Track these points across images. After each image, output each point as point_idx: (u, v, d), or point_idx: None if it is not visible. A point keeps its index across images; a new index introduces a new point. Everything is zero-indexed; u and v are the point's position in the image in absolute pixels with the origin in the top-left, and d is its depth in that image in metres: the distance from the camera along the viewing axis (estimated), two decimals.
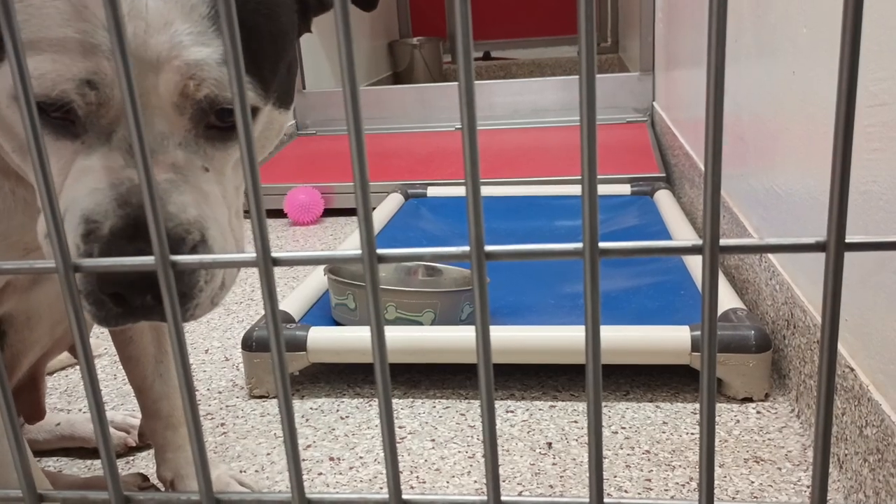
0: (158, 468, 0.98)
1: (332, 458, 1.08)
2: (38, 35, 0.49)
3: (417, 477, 1.03)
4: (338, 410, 1.21)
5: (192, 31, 0.51)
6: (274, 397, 1.27)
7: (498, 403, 1.21)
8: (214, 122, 0.54)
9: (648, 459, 1.05)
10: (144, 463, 1.10)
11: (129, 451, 1.12)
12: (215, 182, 0.56)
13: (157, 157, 0.53)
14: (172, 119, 0.53)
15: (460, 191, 2.14)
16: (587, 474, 0.38)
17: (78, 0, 0.50)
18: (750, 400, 1.18)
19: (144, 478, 1.02)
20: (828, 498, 0.34)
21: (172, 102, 0.52)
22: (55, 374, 1.38)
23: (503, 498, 0.38)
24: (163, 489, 1.00)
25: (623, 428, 1.13)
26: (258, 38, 0.55)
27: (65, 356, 1.34)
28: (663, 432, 1.11)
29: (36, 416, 0.96)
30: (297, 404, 1.24)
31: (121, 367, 0.99)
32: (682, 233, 1.71)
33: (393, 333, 1.23)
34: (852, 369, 0.92)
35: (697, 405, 1.18)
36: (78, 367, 1.32)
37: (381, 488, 1.01)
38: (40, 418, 0.97)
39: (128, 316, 0.54)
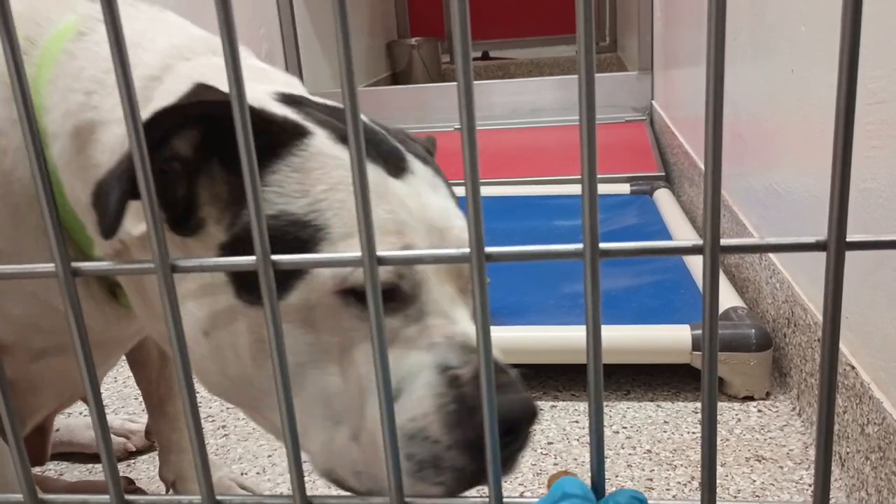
0: (161, 468, 0.98)
1: None
2: (356, 224, 0.51)
3: None
4: None
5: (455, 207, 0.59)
6: None
7: None
8: None
9: (650, 459, 1.05)
10: (145, 466, 1.10)
11: (130, 455, 1.12)
12: None
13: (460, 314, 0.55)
14: (461, 284, 0.57)
15: (460, 191, 2.14)
16: (589, 474, 0.38)
17: (378, 182, 0.54)
18: (751, 398, 1.18)
19: (130, 482, 1.03)
20: (830, 496, 0.34)
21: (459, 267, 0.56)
22: None
23: (504, 498, 0.38)
24: (164, 490, 1.00)
25: (624, 427, 1.13)
26: None
27: None
28: (664, 431, 1.11)
29: (38, 462, 0.96)
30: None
31: (121, 369, 0.99)
32: (682, 232, 1.71)
33: None
34: (853, 367, 0.92)
35: (698, 404, 1.18)
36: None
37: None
38: (42, 463, 0.97)
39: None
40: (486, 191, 2.13)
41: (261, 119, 0.53)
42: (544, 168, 2.32)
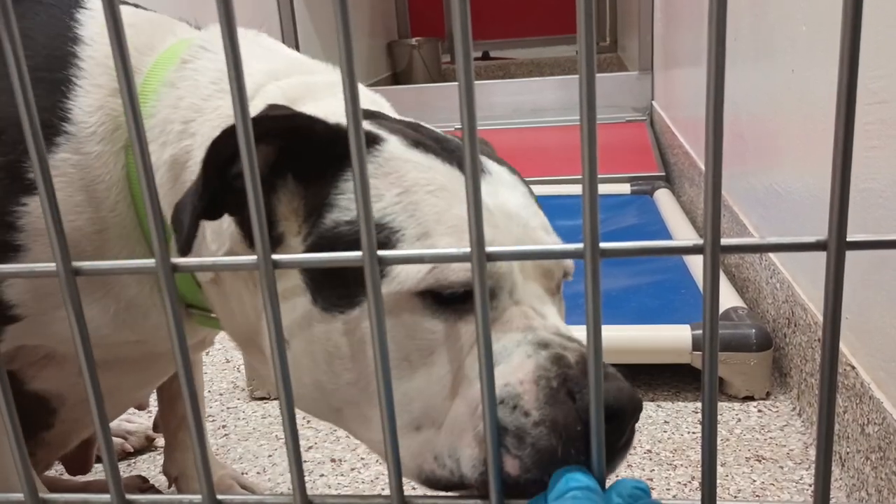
0: (165, 463, 0.98)
1: (333, 460, 1.08)
2: (432, 224, 0.53)
3: None
4: None
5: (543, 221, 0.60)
6: (275, 399, 1.27)
7: None
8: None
9: (650, 459, 1.05)
10: (146, 465, 1.10)
11: (128, 455, 1.12)
12: None
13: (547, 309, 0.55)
14: (549, 285, 0.57)
15: None
16: None
17: (445, 182, 0.54)
18: (751, 398, 1.18)
19: (144, 479, 1.03)
20: (830, 496, 0.34)
21: (547, 268, 0.57)
22: None
23: (505, 499, 0.38)
24: (166, 485, 1.00)
25: None
26: None
27: None
28: (665, 431, 1.11)
29: (82, 471, 0.97)
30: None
31: None
32: (682, 231, 1.71)
33: None
34: (853, 367, 0.92)
35: (699, 404, 1.18)
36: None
37: (383, 489, 1.01)
38: (86, 472, 0.98)
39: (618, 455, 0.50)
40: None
41: (331, 130, 0.53)
42: (545, 168, 2.32)
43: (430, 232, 0.52)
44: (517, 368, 0.49)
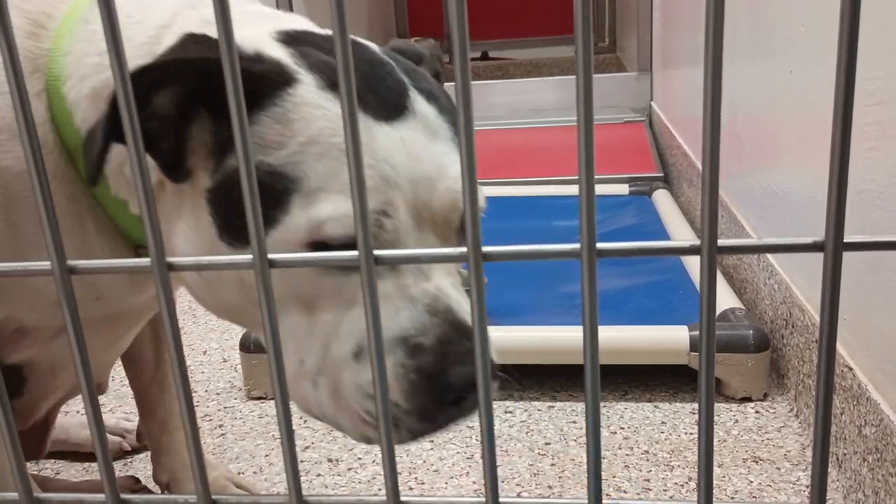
0: (154, 471, 0.98)
1: (330, 460, 1.08)
2: (328, 180, 0.53)
3: (416, 478, 1.03)
4: None
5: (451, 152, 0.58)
6: (272, 399, 1.27)
7: (496, 404, 1.21)
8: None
9: (647, 459, 1.05)
10: (142, 465, 1.09)
11: (125, 454, 1.12)
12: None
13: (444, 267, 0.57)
14: (445, 234, 0.58)
15: None
16: (586, 475, 0.38)
17: (363, 133, 0.54)
18: (748, 399, 1.18)
19: (136, 480, 1.02)
20: (827, 497, 0.34)
21: (445, 217, 0.57)
22: None
23: (501, 499, 0.38)
24: (158, 492, 0.99)
25: (622, 428, 1.13)
26: None
27: None
28: (662, 432, 1.11)
29: (37, 455, 0.96)
30: (295, 405, 1.23)
31: (119, 367, 0.98)
32: (681, 232, 1.71)
33: None
34: (851, 368, 0.92)
35: (696, 405, 1.18)
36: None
37: (380, 489, 1.01)
38: (40, 457, 0.97)
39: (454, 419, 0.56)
40: (485, 190, 2.13)
41: (244, 71, 0.53)
42: (543, 168, 2.32)
43: (326, 187, 0.53)
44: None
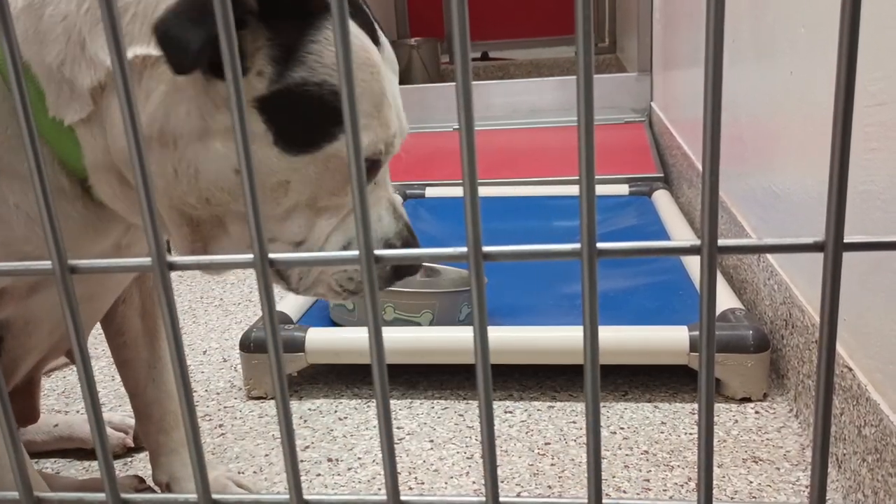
0: (154, 472, 0.98)
1: (330, 460, 1.08)
2: (372, 106, 0.64)
3: (416, 478, 1.03)
4: (336, 411, 1.21)
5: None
6: (272, 398, 1.27)
7: (496, 404, 1.21)
8: None
9: (647, 460, 1.05)
10: (143, 464, 1.09)
11: (128, 452, 1.12)
12: None
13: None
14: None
15: (459, 191, 2.14)
16: (586, 475, 0.38)
17: (375, 59, 0.64)
18: (748, 400, 1.18)
19: (141, 480, 1.02)
20: (826, 498, 0.34)
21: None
22: (52, 376, 1.38)
23: (501, 499, 0.38)
24: (159, 492, 0.99)
25: (622, 428, 1.13)
26: None
27: (61, 360, 1.34)
28: (662, 432, 1.11)
29: (30, 419, 0.96)
30: (295, 405, 1.23)
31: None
32: (681, 233, 1.71)
33: (391, 334, 1.23)
34: (850, 369, 0.92)
35: (696, 405, 1.18)
36: (75, 369, 1.32)
37: (380, 489, 1.01)
38: (34, 421, 0.97)
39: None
40: (485, 191, 2.13)
41: None
42: (544, 168, 2.32)
43: (373, 111, 0.63)
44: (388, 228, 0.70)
